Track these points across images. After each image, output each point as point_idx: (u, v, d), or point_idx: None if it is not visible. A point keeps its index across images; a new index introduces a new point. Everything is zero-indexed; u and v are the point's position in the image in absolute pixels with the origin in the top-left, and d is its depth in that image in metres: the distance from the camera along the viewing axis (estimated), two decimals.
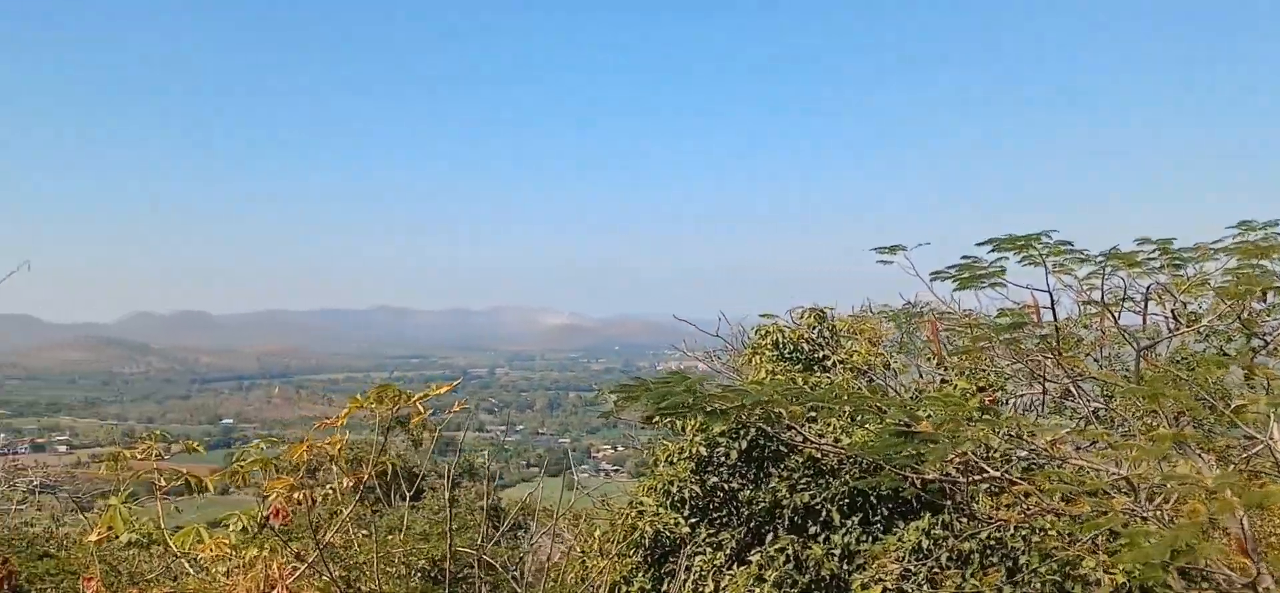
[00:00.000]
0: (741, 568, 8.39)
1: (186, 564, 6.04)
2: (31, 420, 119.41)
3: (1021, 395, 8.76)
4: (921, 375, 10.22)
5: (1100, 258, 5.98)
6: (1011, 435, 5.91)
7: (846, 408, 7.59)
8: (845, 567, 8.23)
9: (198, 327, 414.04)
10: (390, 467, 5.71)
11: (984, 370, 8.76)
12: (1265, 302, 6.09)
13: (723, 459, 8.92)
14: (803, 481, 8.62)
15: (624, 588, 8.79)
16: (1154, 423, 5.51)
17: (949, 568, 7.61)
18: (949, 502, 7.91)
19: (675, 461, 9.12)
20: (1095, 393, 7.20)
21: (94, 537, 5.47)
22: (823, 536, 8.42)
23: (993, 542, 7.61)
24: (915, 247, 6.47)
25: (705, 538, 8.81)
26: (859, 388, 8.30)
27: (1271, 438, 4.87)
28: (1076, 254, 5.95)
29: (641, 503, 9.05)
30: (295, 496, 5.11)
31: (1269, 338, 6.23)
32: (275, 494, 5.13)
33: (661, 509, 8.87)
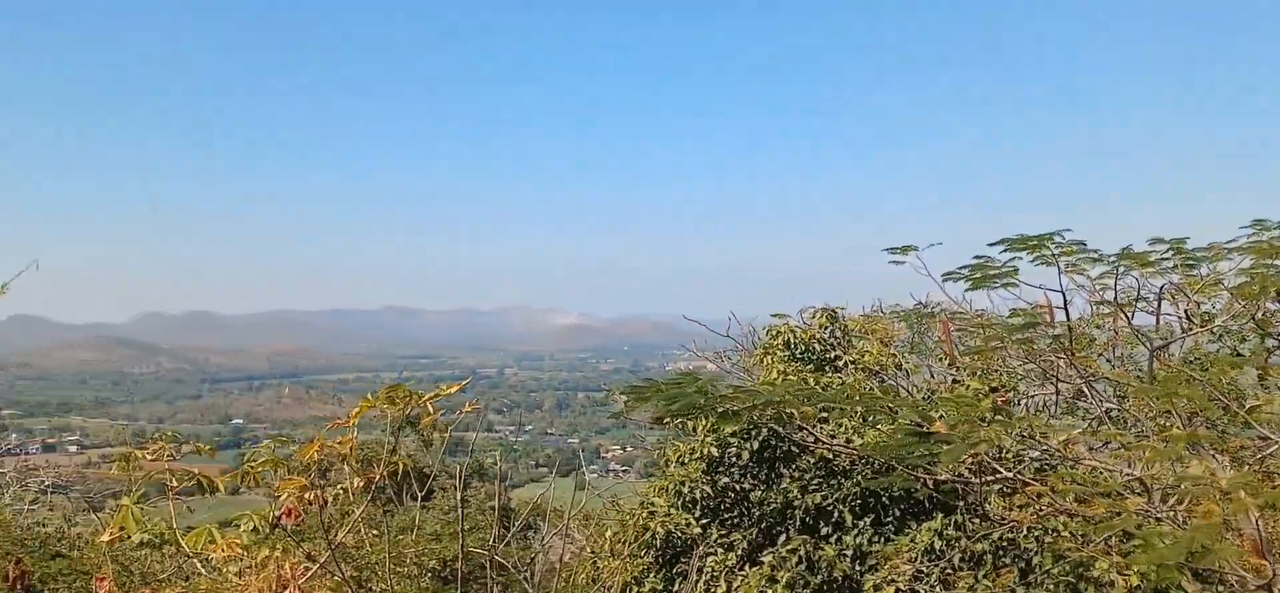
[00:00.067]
0: (753, 569, 8.37)
1: (198, 565, 6.06)
2: (42, 421, 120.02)
3: (1034, 396, 8.73)
4: (933, 376, 10.19)
5: (1113, 258, 5.95)
6: (1024, 436, 5.88)
7: (858, 409, 7.56)
8: (857, 568, 8.21)
9: (207, 327, 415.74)
10: (401, 467, 5.71)
11: (996, 371, 8.73)
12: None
13: (734, 460, 8.91)
14: (815, 481, 8.60)
15: (635, 589, 8.79)
16: (1168, 424, 5.48)
17: (962, 569, 7.59)
18: (961, 503, 7.89)
19: (686, 461, 9.11)
20: (1108, 394, 7.16)
21: (106, 537, 5.49)
22: (835, 536, 8.41)
23: (1005, 543, 7.59)
24: (927, 247, 6.46)
25: (717, 539, 8.80)
26: (871, 389, 8.28)
27: None
28: (1089, 254, 5.92)
29: (653, 503, 9.04)
30: (307, 496, 5.12)
31: None
32: (287, 494, 5.14)
33: (673, 510, 8.86)
